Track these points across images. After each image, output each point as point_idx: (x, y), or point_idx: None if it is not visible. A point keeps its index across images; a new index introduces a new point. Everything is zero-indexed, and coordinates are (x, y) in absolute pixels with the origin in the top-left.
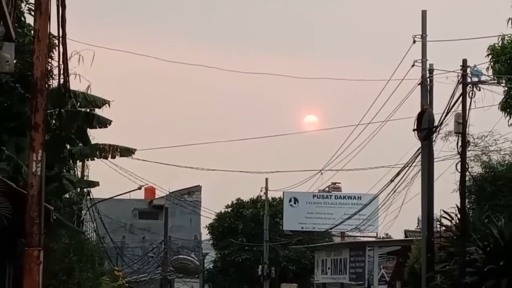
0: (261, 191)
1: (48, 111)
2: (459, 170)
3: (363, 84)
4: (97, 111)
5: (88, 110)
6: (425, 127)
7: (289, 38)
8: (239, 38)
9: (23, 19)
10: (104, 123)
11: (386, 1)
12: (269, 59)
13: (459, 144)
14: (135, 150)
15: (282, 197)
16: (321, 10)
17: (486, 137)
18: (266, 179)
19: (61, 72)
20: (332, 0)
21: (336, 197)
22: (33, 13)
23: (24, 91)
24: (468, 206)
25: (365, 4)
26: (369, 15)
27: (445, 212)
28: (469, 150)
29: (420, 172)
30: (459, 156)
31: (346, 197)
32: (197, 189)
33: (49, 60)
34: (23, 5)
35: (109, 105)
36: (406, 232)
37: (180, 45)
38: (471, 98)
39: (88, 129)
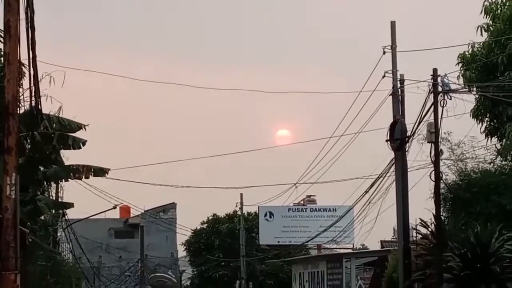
0: (236, 206)
1: (21, 134)
2: (433, 179)
3: (334, 96)
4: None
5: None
6: (398, 138)
7: (260, 50)
8: (209, 52)
9: None
10: (78, 144)
11: (354, 11)
12: (244, 73)
13: (432, 153)
14: (109, 169)
15: (257, 211)
16: (289, 19)
17: (462, 143)
18: (241, 194)
19: (33, 94)
20: (302, 10)
21: (312, 209)
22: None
23: None
24: (444, 214)
25: (334, 15)
26: (337, 24)
27: (421, 220)
28: (444, 159)
29: (394, 182)
30: (433, 165)
31: (322, 209)
32: (172, 206)
33: (20, 82)
34: None
35: (85, 128)
36: (382, 242)
37: (153, 64)
38: (443, 107)
39: (62, 150)
